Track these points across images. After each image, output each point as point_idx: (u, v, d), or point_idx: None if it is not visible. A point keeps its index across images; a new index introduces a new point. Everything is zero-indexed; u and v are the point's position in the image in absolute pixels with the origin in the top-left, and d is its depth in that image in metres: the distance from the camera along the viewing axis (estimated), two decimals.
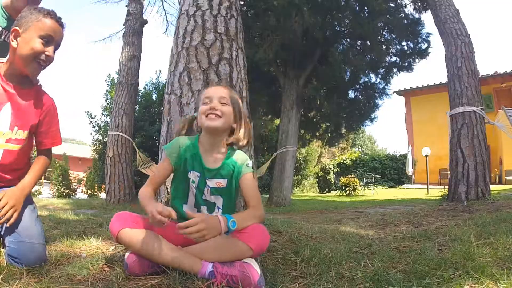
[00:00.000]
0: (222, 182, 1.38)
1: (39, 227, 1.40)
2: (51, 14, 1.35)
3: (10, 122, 1.38)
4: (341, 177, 13.55)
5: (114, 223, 1.26)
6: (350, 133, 12.49)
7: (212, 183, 1.37)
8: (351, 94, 8.46)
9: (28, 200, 1.41)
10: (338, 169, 18.08)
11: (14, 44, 1.34)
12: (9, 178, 1.44)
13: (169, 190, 1.81)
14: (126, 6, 7.23)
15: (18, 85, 1.39)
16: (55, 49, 1.39)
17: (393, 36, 7.68)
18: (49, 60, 1.36)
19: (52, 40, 1.35)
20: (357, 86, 8.29)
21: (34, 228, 1.37)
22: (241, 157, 1.41)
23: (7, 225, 1.30)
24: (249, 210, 1.35)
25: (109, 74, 11.23)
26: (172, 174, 1.43)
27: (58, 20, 1.37)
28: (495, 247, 1.65)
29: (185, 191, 1.40)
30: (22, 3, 2.01)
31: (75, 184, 10.87)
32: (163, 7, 20.01)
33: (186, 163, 1.37)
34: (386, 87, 8.25)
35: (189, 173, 1.37)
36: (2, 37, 2.04)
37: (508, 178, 11.33)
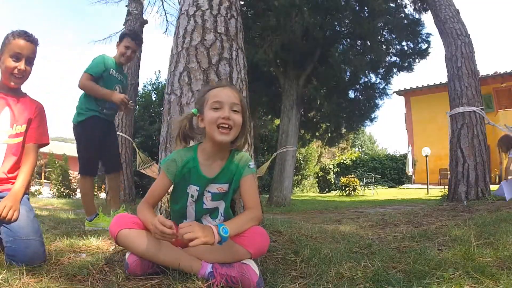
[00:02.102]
0: (224, 187, 1.37)
1: (36, 225, 1.46)
2: (18, 35, 1.60)
3: (10, 121, 1.61)
4: (341, 177, 13.54)
5: (113, 225, 1.26)
6: (350, 133, 12.47)
7: (213, 188, 1.35)
8: (351, 94, 8.45)
9: (24, 201, 1.52)
10: (338, 169, 18.08)
11: None
12: (14, 178, 1.57)
13: (168, 191, 1.80)
14: (126, 6, 7.24)
15: (12, 95, 1.65)
16: (29, 61, 1.63)
17: (393, 36, 7.68)
18: (21, 72, 1.60)
19: (21, 56, 1.59)
20: (357, 86, 8.29)
21: (30, 226, 1.42)
22: (243, 159, 1.37)
23: (10, 222, 1.39)
24: (247, 213, 1.32)
25: None
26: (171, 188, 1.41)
27: (26, 38, 1.61)
28: (495, 247, 1.65)
29: (184, 205, 1.38)
30: (122, 48, 2.77)
31: (75, 184, 10.86)
32: (163, 7, 19.95)
33: (184, 178, 1.34)
34: (386, 87, 8.24)
35: (188, 187, 1.35)
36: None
37: (508, 178, 11.31)
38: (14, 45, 1.58)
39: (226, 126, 1.26)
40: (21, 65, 1.59)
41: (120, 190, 2.88)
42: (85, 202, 2.72)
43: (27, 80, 1.68)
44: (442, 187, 10.08)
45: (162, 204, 1.85)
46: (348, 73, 7.71)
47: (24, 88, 1.72)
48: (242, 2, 6.80)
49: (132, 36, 2.83)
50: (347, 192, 12.00)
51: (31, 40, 1.62)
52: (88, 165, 2.70)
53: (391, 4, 7.27)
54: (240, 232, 1.23)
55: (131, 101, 2.78)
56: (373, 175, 13.39)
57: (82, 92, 2.67)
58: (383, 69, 7.99)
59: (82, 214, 3.63)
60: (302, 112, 8.46)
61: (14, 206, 1.42)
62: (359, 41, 7.78)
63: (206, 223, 1.37)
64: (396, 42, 7.79)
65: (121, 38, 2.82)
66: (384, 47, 7.71)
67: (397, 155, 17.71)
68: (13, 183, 1.55)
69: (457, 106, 4.64)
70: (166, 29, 9.95)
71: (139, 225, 1.26)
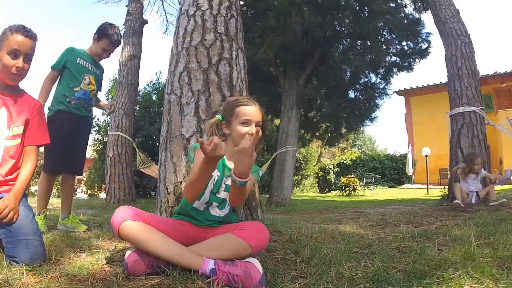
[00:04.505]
0: None
1: (35, 225, 1.46)
2: (16, 30, 1.53)
3: (7, 123, 1.56)
4: (341, 177, 13.54)
5: (115, 216, 1.27)
6: (350, 133, 12.47)
7: (228, 181, 1.44)
8: (351, 94, 8.46)
9: (23, 202, 1.51)
10: (338, 169, 18.07)
11: None
12: (13, 180, 1.54)
13: (169, 190, 1.83)
14: (126, 6, 7.24)
15: (10, 93, 1.60)
16: (28, 58, 1.57)
17: (393, 36, 7.68)
18: (19, 70, 1.54)
19: (19, 52, 1.53)
20: (357, 86, 8.29)
21: (29, 226, 1.42)
22: (255, 166, 1.49)
23: (9, 223, 1.38)
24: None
25: (113, 74, 11.23)
26: None
27: (24, 33, 1.54)
28: (495, 247, 1.65)
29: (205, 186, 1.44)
30: (99, 50, 2.62)
31: (75, 184, 10.87)
32: (163, 7, 20.04)
33: None
34: (386, 87, 8.25)
35: (214, 171, 1.43)
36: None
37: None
38: (11, 41, 1.51)
39: None
40: (19, 62, 1.53)
41: (73, 195, 2.69)
42: (42, 199, 2.53)
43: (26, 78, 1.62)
44: (442, 187, 10.07)
45: (162, 204, 1.86)
46: (348, 73, 7.72)
47: (22, 87, 1.68)
48: (242, 2, 6.81)
49: (111, 39, 2.62)
50: (347, 192, 12.00)
51: (30, 35, 1.55)
52: (53, 163, 2.50)
53: (391, 4, 7.27)
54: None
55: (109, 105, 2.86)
56: (373, 175, 13.39)
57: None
58: (383, 69, 8.00)
59: (82, 214, 3.64)
60: (302, 112, 8.47)
61: (14, 207, 1.41)
62: (359, 41, 7.78)
63: (214, 213, 1.45)
64: (396, 42, 7.79)
65: (101, 36, 2.61)
66: (384, 47, 7.71)
67: (397, 155, 17.68)
68: (12, 185, 1.52)
69: (457, 106, 4.63)
70: (166, 29, 9.98)
71: (142, 218, 1.27)
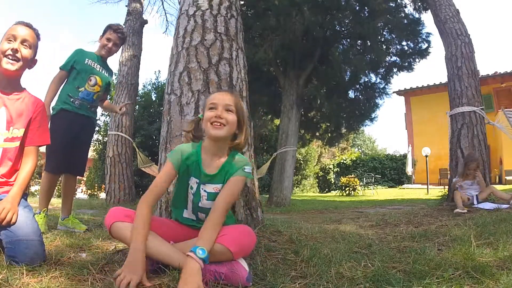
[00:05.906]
0: (219, 187, 1.38)
1: (35, 225, 1.45)
2: (19, 22, 1.59)
3: (6, 124, 1.53)
4: (341, 177, 13.54)
5: (108, 217, 1.30)
6: (350, 133, 12.47)
7: (209, 188, 1.38)
8: (351, 94, 8.46)
9: (23, 202, 1.51)
10: (338, 169, 18.07)
11: None
12: (13, 181, 1.53)
13: (169, 190, 1.83)
14: (126, 6, 7.24)
15: (10, 92, 1.57)
16: (27, 44, 1.56)
17: (393, 36, 7.68)
18: (14, 51, 1.52)
19: (16, 37, 1.55)
20: (357, 86, 8.28)
21: (29, 226, 1.41)
22: (241, 162, 1.40)
23: (9, 224, 1.37)
24: (208, 222, 1.27)
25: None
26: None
27: (24, 24, 1.59)
28: (495, 247, 1.65)
29: (185, 197, 1.42)
30: (104, 41, 2.67)
31: (76, 184, 10.86)
32: (163, 7, 20.05)
33: (188, 169, 1.39)
34: (386, 87, 8.24)
35: (189, 179, 1.40)
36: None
37: (508, 178, 11.33)
38: (11, 30, 1.56)
39: (218, 124, 1.36)
40: (15, 44, 1.54)
41: (73, 196, 2.71)
42: (44, 197, 2.54)
43: (27, 79, 1.65)
44: (442, 187, 10.07)
45: (162, 204, 1.86)
46: (348, 73, 7.72)
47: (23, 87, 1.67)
48: (242, 2, 6.81)
49: (115, 28, 2.69)
50: (347, 192, 11.99)
51: (30, 26, 1.60)
52: (56, 162, 2.49)
53: (391, 4, 7.27)
54: (213, 241, 1.22)
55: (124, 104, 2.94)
56: (373, 175, 13.38)
57: None
58: (383, 69, 7.99)
59: (82, 214, 3.64)
60: (302, 112, 8.46)
61: (12, 208, 1.40)
62: (359, 41, 7.78)
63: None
64: (396, 41, 7.79)
65: (104, 30, 2.71)
66: (384, 47, 7.71)
67: (397, 155, 17.69)
68: (11, 185, 1.51)
69: (457, 106, 4.63)
70: (166, 29, 9.98)
71: (131, 219, 1.29)
